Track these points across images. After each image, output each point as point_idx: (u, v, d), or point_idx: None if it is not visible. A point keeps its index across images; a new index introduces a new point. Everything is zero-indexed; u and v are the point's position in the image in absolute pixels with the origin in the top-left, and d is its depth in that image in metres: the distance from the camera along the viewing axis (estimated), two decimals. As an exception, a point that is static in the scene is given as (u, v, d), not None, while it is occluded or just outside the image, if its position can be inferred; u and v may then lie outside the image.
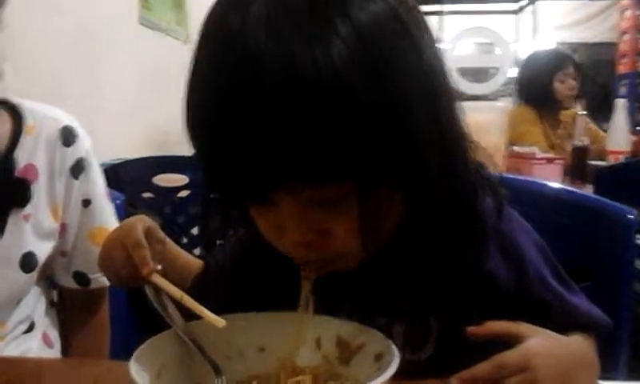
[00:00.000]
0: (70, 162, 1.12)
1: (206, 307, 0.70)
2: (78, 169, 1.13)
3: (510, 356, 0.66)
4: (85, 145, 1.14)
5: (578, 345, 0.74)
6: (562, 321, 0.77)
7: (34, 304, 1.14)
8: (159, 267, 0.78)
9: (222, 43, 0.64)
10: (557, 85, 3.40)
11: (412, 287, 0.77)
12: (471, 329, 0.69)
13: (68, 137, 1.12)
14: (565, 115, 3.40)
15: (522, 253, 0.80)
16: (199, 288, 0.88)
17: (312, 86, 0.58)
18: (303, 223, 0.67)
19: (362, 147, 0.61)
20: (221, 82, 0.62)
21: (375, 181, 0.64)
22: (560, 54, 3.69)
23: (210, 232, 0.84)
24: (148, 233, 0.81)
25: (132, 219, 0.84)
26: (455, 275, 0.76)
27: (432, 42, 0.70)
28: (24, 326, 1.12)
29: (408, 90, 0.64)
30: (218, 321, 0.68)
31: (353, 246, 0.69)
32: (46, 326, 1.18)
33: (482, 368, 0.65)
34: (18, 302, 1.09)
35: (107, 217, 1.18)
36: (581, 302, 0.82)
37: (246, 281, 0.86)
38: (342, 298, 0.78)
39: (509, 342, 0.68)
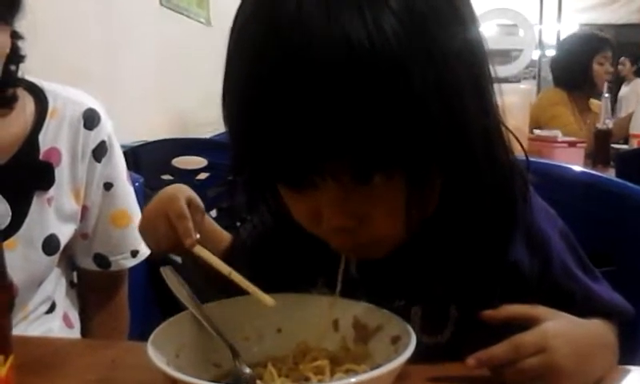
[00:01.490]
0: (93, 145, 1.13)
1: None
2: (100, 152, 1.14)
3: (527, 337, 0.65)
4: (107, 128, 1.15)
5: (597, 327, 0.73)
6: (584, 309, 0.75)
7: (55, 285, 1.15)
8: (198, 236, 0.78)
9: (270, 17, 0.61)
10: (596, 67, 3.35)
11: (434, 273, 0.76)
12: (487, 312, 0.69)
13: (91, 120, 1.13)
14: (594, 104, 3.36)
15: (548, 242, 0.78)
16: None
17: (367, 63, 0.56)
18: (344, 209, 0.65)
19: (415, 133, 0.59)
20: (268, 56, 0.60)
21: (425, 168, 0.63)
22: (600, 36, 3.61)
23: (235, 213, 0.83)
24: (190, 203, 0.81)
25: (173, 189, 0.84)
26: (480, 263, 0.74)
27: (476, 25, 0.67)
28: (45, 307, 1.14)
29: (459, 73, 0.62)
30: (267, 299, 0.69)
31: (391, 231, 0.68)
32: (67, 306, 1.19)
33: (499, 348, 0.65)
34: (40, 283, 1.10)
35: (128, 200, 1.19)
36: (604, 290, 0.81)
37: (266, 263, 0.85)
38: (360, 281, 0.78)
39: (527, 325, 0.67)
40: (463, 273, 0.74)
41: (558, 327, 0.67)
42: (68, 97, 1.13)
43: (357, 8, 0.57)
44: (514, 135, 0.75)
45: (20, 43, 1.07)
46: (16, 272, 1.02)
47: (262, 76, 0.60)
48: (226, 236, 0.94)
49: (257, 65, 0.61)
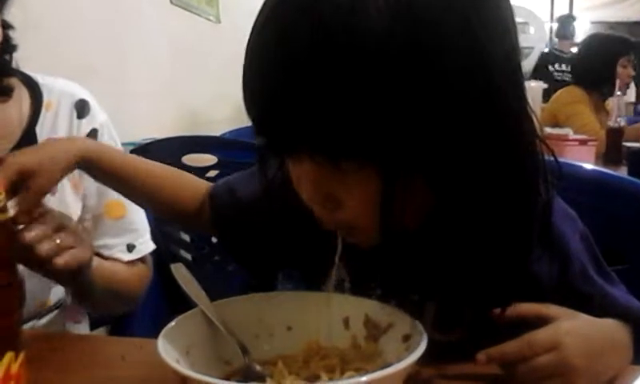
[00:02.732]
0: (83, 133, 1.13)
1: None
2: None
3: (539, 334, 0.65)
4: (99, 118, 1.15)
5: (610, 326, 0.72)
6: (601, 313, 0.74)
7: None
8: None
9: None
10: (620, 69, 3.35)
11: (450, 273, 0.72)
12: (499, 311, 0.68)
13: (81, 110, 1.13)
14: (610, 105, 3.34)
15: (567, 247, 0.76)
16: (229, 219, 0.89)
17: (344, 46, 0.56)
18: (316, 188, 0.65)
19: (388, 125, 0.57)
20: (268, 33, 0.62)
21: (402, 166, 0.60)
22: (625, 38, 3.62)
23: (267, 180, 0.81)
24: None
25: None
26: (502, 271, 0.70)
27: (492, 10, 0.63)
28: (57, 302, 1.14)
29: (450, 55, 0.58)
30: None
31: (365, 222, 0.66)
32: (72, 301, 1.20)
33: (511, 345, 0.65)
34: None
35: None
36: (620, 294, 0.80)
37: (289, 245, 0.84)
38: (375, 277, 0.76)
39: (539, 325, 0.67)
40: (480, 273, 0.72)
41: (570, 325, 0.67)
42: (61, 89, 1.14)
43: None
44: (542, 141, 0.69)
45: (11, 33, 1.07)
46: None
47: (264, 48, 0.62)
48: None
49: (260, 39, 0.63)
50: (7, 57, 1.07)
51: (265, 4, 0.64)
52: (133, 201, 1.01)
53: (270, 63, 0.60)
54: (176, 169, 0.95)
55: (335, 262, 0.71)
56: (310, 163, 0.63)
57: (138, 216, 1.17)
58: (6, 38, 1.05)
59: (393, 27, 0.56)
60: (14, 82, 1.10)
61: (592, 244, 0.80)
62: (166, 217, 1.24)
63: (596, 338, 0.68)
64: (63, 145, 0.89)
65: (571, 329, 0.66)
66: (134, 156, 0.94)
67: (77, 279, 0.91)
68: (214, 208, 0.90)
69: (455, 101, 0.58)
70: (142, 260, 1.17)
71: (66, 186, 1.10)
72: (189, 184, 0.95)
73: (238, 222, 0.88)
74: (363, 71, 0.56)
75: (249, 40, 0.64)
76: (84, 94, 1.15)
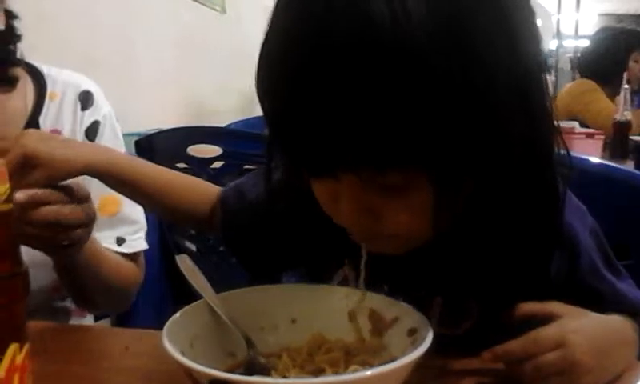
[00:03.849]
0: (86, 124, 1.12)
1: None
2: (92, 132, 1.13)
3: (545, 332, 0.65)
4: (102, 110, 1.14)
5: (616, 323, 0.72)
6: (610, 309, 0.74)
7: None
8: None
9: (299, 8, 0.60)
10: (631, 64, 3.30)
11: (458, 270, 0.74)
12: (504, 313, 0.68)
13: (85, 101, 1.13)
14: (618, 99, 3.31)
15: (577, 242, 0.76)
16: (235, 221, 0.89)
17: (389, 50, 0.54)
18: (360, 205, 0.65)
19: (436, 131, 0.56)
20: (291, 48, 0.59)
21: (448, 171, 0.60)
22: (637, 32, 3.54)
23: (272, 185, 0.80)
24: None
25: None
26: (519, 274, 0.72)
27: (528, 25, 0.64)
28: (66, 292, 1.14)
29: (492, 60, 0.57)
30: None
31: (409, 230, 0.66)
32: None
33: (517, 343, 0.64)
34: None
35: None
36: (629, 289, 0.80)
37: (295, 242, 0.84)
38: (383, 268, 0.75)
39: (545, 322, 0.66)
40: (494, 273, 0.72)
41: (576, 323, 0.66)
42: (66, 80, 1.14)
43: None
44: (562, 139, 0.70)
45: (16, 23, 1.07)
46: (27, 253, 1.03)
47: (291, 63, 0.59)
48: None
49: (287, 52, 0.60)
50: (12, 47, 1.07)
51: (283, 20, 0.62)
52: (143, 207, 0.99)
53: (314, 87, 0.57)
54: (185, 175, 0.95)
55: (361, 268, 0.72)
56: (351, 180, 0.62)
57: (133, 212, 1.15)
58: (11, 28, 1.05)
59: (436, 35, 0.55)
60: (19, 72, 1.10)
61: (602, 239, 0.80)
62: (178, 223, 1.22)
63: (602, 335, 0.68)
64: (76, 148, 0.88)
65: (577, 326, 0.66)
66: (143, 162, 0.94)
67: (68, 252, 0.90)
68: (225, 213, 0.90)
69: (496, 106, 0.58)
70: (132, 258, 1.14)
71: None
72: (199, 189, 0.96)
73: (247, 227, 0.88)
74: (411, 80, 0.55)
75: (265, 55, 0.63)
76: (89, 86, 1.15)
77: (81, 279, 1.00)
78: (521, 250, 0.70)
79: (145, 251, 1.18)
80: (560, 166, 0.70)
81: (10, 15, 1.05)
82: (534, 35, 0.64)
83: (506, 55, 0.58)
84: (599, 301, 0.74)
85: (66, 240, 0.84)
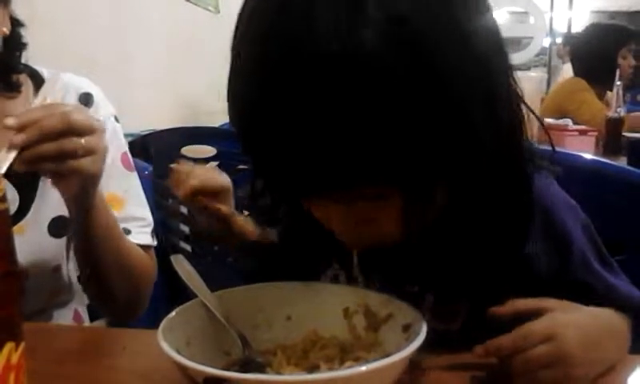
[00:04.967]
0: None
1: None
2: None
3: (535, 325, 0.65)
4: (103, 110, 1.14)
5: (607, 316, 0.72)
6: (601, 302, 0.74)
7: (70, 277, 1.15)
8: None
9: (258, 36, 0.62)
10: (620, 61, 3.28)
11: (447, 262, 0.75)
12: (495, 309, 0.68)
13: (86, 102, 1.13)
14: (609, 95, 3.31)
15: (569, 235, 0.77)
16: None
17: (346, 75, 0.55)
18: (347, 216, 0.67)
19: (397, 144, 0.58)
20: (255, 68, 0.61)
21: (417, 181, 0.62)
22: (625, 28, 3.53)
23: (260, 211, 0.83)
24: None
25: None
26: (494, 256, 0.74)
27: (482, 7, 0.65)
28: (65, 297, 1.15)
29: (455, 68, 0.58)
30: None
31: (397, 231, 0.69)
32: (77, 302, 1.20)
33: (507, 338, 0.65)
34: (55, 270, 1.10)
35: (122, 185, 1.14)
36: (621, 283, 0.80)
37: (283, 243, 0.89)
38: (373, 268, 0.78)
39: (536, 317, 0.67)
40: (476, 263, 0.74)
41: (567, 316, 0.67)
42: (66, 82, 1.13)
43: (336, 14, 0.56)
44: (546, 132, 0.77)
45: (22, 31, 1.07)
46: (26, 256, 1.04)
47: (260, 82, 0.60)
48: None
49: (257, 69, 0.61)
50: (17, 53, 1.08)
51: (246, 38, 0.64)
52: None
53: (291, 110, 0.58)
54: None
55: (354, 264, 0.75)
56: (335, 201, 0.65)
57: (138, 210, 1.15)
58: (17, 35, 1.06)
59: (392, 44, 0.56)
60: (22, 77, 1.10)
61: (594, 234, 0.80)
62: None
63: (592, 328, 0.68)
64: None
65: (567, 320, 0.66)
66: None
67: (82, 195, 0.92)
68: None
69: (459, 110, 0.59)
70: (144, 250, 1.13)
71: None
72: None
73: None
74: (368, 94, 0.56)
75: (235, 77, 0.65)
76: (89, 87, 1.14)
77: (100, 256, 1.01)
78: (497, 232, 0.72)
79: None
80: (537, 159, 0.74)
81: (15, 22, 1.06)
82: (491, 30, 0.65)
83: (463, 56, 0.59)
84: (591, 295, 0.75)
85: (72, 168, 0.86)
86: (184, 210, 2.30)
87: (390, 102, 0.56)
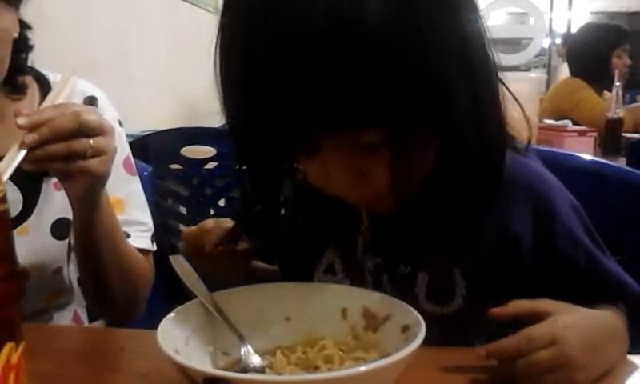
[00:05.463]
0: None
1: None
2: None
3: (538, 329, 0.65)
4: (107, 114, 1.13)
5: (606, 318, 0.72)
6: (590, 284, 0.76)
7: (71, 279, 1.15)
8: None
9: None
10: (615, 60, 3.29)
11: (437, 238, 0.78)
12: (495, 310, 0.68)
13: (90, 106, 1.12)
14: (607, 95, 3.30)
15: (554, 210, 0.78)
16: None
17: (347, 26, 0.60)
18: (344, 167, 0.70)
19: (396, 90, 0.63)
20: (258, 23, 0.65)
21: (408, 126, 0.67)
22: (619, 28, 3.53)
23: (246, 204, 0.85)
24: None
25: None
26: (478, 229, 0.77)
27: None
28: (66, 299, 1.15)
29: (439, 27, 0.66)
30: None
31: (387, 186, 0.71)
32: (77, 303, 1.20)
33: (510, 341, 0.65)
34: (56, 271, 1.10)
35: (122, 188, 1.14)
36: (613, 267, 0.81)
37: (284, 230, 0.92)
38: (369, 250, 0.83)
39: (535, 320, 0.67)
40: (462, 238, 0.77)
41: (568, 319, 0.67)
42: (73, 87, 1.13)
43: None
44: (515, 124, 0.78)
45: (29, 34, 1.08)
46: (29, 257, 1.04)
47: (257, 52, 0.64)
48: None
49: (253, 41, 0.65)
50: (23, 55, 1.08)
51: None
52: None
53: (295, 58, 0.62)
54: None
55: (362, 231, 0.80)
56: (333, 147, 0.69)
57: (139, 214, 1.15)
58: (24, 38, 1.07)
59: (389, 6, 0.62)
60: (28, 80, 1.11)
61: (584, 217, 0.81)
62: None
63: (593, 331, 0.68)
64: None
65: (569, 323, 0.66)
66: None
67: (88, 195, 0.92)
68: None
69: (441, 67, 0.66)
70: (142, 254, 1.13)
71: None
72: None
73: None
74: (370, 51, 0.62)
75: (228, 38, 0.70)
76: (93, 91, 1.14)
77: (102, 256, 1.01)
78: (472, 200, 0.75)
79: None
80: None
81: (23, 25, 1.06)
82: (473, 7, 0.71)
83: (451, 23, 0.67)
84: (576, 271, 0.77)
85: (81, 169, 0.87)
86: (183, 210, 2.31)
87: (378, 48, 0.62)
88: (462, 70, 0.68)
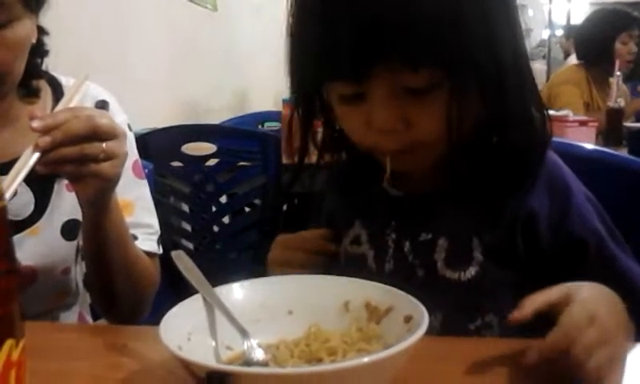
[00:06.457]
0: None
1: None
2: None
3: (576, 314, 0.64)
4: (117, 118, 1.13)
5: (606, 290, 0.71)
6: (597, 268, 0.78)
7: (78, 280, 1.16)
8: None
9: None
10: (618, 45, 3.26)
11: (457, 204, 0.84)
12: (514, 315, 0.65)
13: (101, 109, 1.13)
14: (613, 82, 3.29)
15: (569, 193, 0.83)
16: None
17: None
18: (391, 109, 0.76)
19: (452, 32, 0.72)
20: None
21: (459, 71, 0.74)
22: (628, 13, 3.49)
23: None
24: None
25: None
26: (499, 199, 0.82)
27: None
28: (73, 300, 1.16)
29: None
30: None
31: (432, 136, 0.78)
32: (82, 304, 1.20)
33: (557, 334, 0.62)
34: (65, 272, 1.11)
35: (130, 191, 1.14)
36: (623, 258, 0.82)
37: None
38: (390, 218, 0.89)
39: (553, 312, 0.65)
40: (482, 206, 0.83)
41: (588, 296, 0.66)
42: (85, 91, 1.13)
43: None
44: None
45: (45, 39, 1.10)
46: (39, 257, 1.04)
47: None
48: None
49: None
50: (39, 60, 1.10)
51: None
52: None
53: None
54: None
55: (385, 178, 0.85)
56: (382, 85, 0.75)
57: (146, 217, 1.16)
58: (40, 42, 1.09)
59: None
60: (42, 83, 1.12)
61: (599, 208, 0.85)
62: None
63: (607, 301, 0.68)
64: None
65: (591, 298, 0.66)
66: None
67: (98, 197, 0.93)
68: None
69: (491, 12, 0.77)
70: (148, 256, 1.14)
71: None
72: None
73: None
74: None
75: None
76: (104, 95, 1.15)
77: (109, 259, 1.02)
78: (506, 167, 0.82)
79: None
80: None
81: (41, 30, 1.08)
82: None
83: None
84: (585, 251, 0.80)
85: (92, 172, 0.88)
86: (185, 207, 2.31)
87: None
88: (506, 27, 0.78)
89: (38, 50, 1.09)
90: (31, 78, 1.09)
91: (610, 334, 0.64)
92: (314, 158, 0.93)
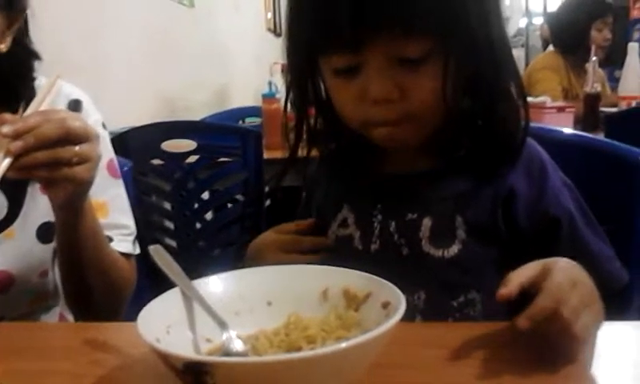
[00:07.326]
0: None
1: None
2: None
3: (558, 278, 0.65)
4: (90, 118, 1.13)
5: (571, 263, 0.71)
6: (568, 248, 0.80)
7: (56, 282, 1.15)
8: None
9: None
10: (593, 33, 3.28)
11: (441, 185, 0.87)
12: (502, 292, 0.64)
13: (74, 109, 1.12)
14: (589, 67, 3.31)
15: (546, 174, 0.87)
16: None
17: None
18: (387, 79, 0.79)
19: (451, 2, 0.77)
20: None
21: (451, 40, 0.78)
22: (602, 1, 3.50)
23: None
24: None
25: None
26: (481, 176, 0.86)
27: None
28: (53, 302, 1.15)
29: None
30: None
31: (426, 108, 0.81)
32: (62, 306, 1.19)
33: (544, 298, 0.63)
34: (42, 274, 1.10)
35: (104, 192, 1.12)
36: (593, 240, 0.85)
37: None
38: (376, 200, 0.91)
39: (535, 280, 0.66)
40: (464, 184, 0.86)
41: (565, 265, 0.67)
42: (58, 91, 1.12)
43: None
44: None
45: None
46: (15, 261, 1.03)
47: None
48: None
49: None
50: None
51: None
52: None
53: None
54: None
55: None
56: (377, 56, 0.79)
57: (122, 217, 1.15)
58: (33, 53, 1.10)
59: None
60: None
61: (576, 193, 0.88)
62: None
63: (583, 274, 0.69)
64: None
65: (569, 267, 0.67)
66: None
67: (72, 201, 0.92)
68: None
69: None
70: (124, 257, 1.13)
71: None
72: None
73: None
74: None
75: None
76: (77, 94, 1.14)
77: (84, 262, 1.01)
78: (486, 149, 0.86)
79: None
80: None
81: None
82: None
83: None
84: (558, 230, 0.84)
85: (66, 176, 0.86)
86: (167, 205, 2.30)
87: None
88: (494, 3, 0.83)
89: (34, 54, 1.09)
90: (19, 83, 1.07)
91: (591, 298, 0.66)
92: (301, 153, 0.95)
